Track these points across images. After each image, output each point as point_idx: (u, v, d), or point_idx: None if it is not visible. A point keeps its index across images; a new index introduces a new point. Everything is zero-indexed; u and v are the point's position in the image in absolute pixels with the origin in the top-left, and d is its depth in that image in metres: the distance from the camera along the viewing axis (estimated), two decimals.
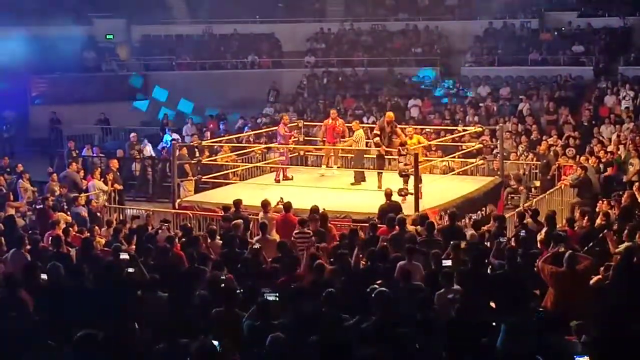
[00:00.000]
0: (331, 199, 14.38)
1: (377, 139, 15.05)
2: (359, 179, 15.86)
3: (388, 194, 13.06)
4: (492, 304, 8.34)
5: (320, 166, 17.33)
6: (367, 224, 11.96)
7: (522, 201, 16.31)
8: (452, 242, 10.13)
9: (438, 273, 9.03)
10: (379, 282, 8.52)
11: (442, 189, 15.15)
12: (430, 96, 25.77)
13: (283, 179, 16.46)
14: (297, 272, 9.39)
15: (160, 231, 11.86)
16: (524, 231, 10.86)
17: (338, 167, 17.02)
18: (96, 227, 12.62)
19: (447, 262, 9.28)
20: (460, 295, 7.96)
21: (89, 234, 11.96)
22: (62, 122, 25.10)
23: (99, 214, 14.94)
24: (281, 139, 16.77)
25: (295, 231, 11.55)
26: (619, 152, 17.60)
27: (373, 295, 7.41)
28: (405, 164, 14.23)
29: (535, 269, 9.07)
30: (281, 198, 13.05)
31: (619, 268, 8.96)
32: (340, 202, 14.32)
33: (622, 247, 10.11)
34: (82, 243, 11.04)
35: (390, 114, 15.56)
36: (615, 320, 7.30)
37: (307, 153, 18.68)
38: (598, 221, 11.76)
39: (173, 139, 20.61)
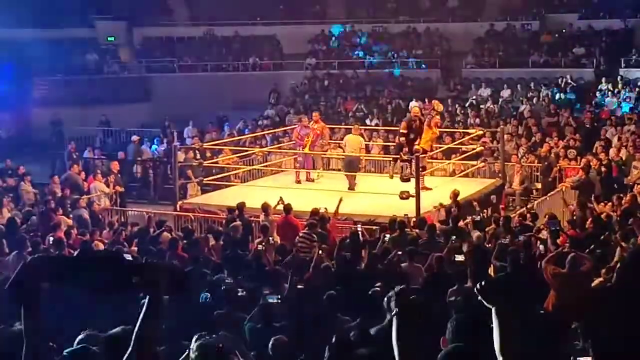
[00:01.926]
0: (333, 201, 14.37)
1: (403, 138, 14.89)
2: (352, 184, 15.75)
3: (456, 194, 13.14)
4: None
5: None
6: (368, 226, 11.99)
7: (518, 204, 16.38)
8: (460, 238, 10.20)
9: (439, 275, 9.05)
10: (379, 284, 8.52)
11: (443, 191, 15.13)
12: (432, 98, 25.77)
13: (306, 180, 16.48)
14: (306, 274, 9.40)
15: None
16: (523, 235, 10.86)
17: (322, 170, 17.07)
18: (97, 231, 12.63)
19: (460, 257, 9.24)
20: (463, 296, 7.96)
21: (89, 237, 11.99)
22: (64, 124, 25.11)
23: (101, 216, 14.91)
24: (299, 140, 16.65)
25: (301, 232, 11.57)
26: (620, 154, 17.59)
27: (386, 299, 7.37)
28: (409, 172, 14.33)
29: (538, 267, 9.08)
30: (280, 198, 13.06)
31: (625, 269, 8.95)
32: (341, 205, 14.30)
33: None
34: (80, 246, 11.06)
35: (415, 109, 15.44)
36: (620, 321, 7.30)
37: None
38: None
39: (161, 148, 20.73)
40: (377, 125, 22.10)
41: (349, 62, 28.70)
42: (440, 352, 5.14)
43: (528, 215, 12.68)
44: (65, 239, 11.42)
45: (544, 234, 11.35)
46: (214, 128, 23.69)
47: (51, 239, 11.39)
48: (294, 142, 17.29)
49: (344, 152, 16.29)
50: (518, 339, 6.47)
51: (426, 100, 24.09)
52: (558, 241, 10.52)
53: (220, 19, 30.22)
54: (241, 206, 12.88)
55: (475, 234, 11.20)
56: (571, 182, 15.87)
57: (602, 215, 12.20)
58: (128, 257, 9.56)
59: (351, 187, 15.53)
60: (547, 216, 12.18)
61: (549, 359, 6.56)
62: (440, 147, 17.18)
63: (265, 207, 12.75)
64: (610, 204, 13.60)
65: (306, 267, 9.69)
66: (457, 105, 24.05)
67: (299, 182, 16.37)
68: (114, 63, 28.85)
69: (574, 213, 13.12)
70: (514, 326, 6.71)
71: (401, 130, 15.01)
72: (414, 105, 15.77)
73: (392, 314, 6.87)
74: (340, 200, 12.71)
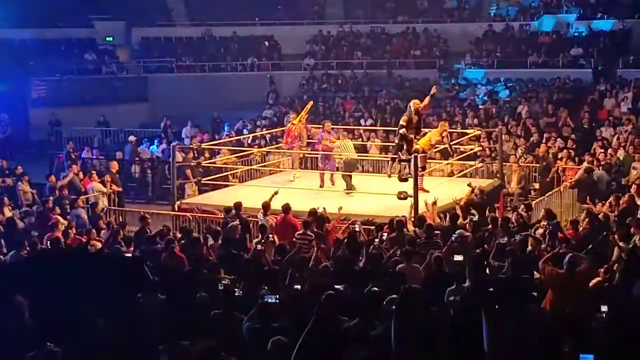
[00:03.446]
0: (331, 201, 14.38)
1: (403, 130, 14.63)
2: (350, 186, 15.57)
3: (482, 191, 13.33)
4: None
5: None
6: (365, 226, 11.99)
7: (515, 204, 16.38)
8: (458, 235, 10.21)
9: (438, 275, 9.04)
10: (376, 284, 8.52)
11: (441, 192, 15.13)
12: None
13: (332, 184, 16.05)
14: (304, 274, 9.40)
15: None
16: (521, 234, 10.85)
17: (299, 170, 16.98)
18: (93, 230, 12.64)
19: (459, 257, 9.21)
20: (460, 296, 7.96)
21: (86, 237, 11.99)
22: (62, 124, 25.11)
23: (103, 218, 14.83)
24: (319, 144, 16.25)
25: (298, 233, 11.57)
26: (617, 155, 17.58)
27: (385, 303, 7.37)
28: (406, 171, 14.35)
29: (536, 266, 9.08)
30: (275, 192, 13.10)
31: (624, 269, 9.00)
32: (339, 205, 14.30)
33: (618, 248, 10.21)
34: (77, 246, 11.08)
35: (416, 101, 15.03)
36: (623, 320, 7.32)
37: (306, 155, 18.63)
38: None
39: (161, 150, 20.70)
40: (372, 125, 22.10)
41: (347, 62, 28.71)
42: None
43: (522, 209, 12.66)
44: (63, 239, 11.43)
45: (540, 232, 11.35)
46: (205, 131, 23.47)
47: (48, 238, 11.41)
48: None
49: (340, 155, 16.01)
50: (511, 339, 6.50)
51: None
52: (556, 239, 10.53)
53: (218, 19, 30.24)
54: (238, 205, 12.88)
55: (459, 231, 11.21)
56: (572, 181, 15.90)
57: (600, 216, 12.19)
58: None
59: (350, 188, 15.47)
60: (543, 211, 12.20)
61: (548, 358, 6.57)
62: (438, 148, 17.16)
63: (265, 206, 12.76)
64: (608, 204, 13.59)
65: (305, 266, 9.69)
66: (455, 106, 24.09)
67: (322, 186, 15.90)
68: (112, 63, 28.86)
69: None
70: (509, 326, 6.74)
71: (401, 123, 14.87)
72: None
73: (392, 316, 6.89)
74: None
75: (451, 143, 17.92)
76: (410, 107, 14.89)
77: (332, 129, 16.48)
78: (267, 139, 20.97)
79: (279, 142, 19.97)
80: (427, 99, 15.17)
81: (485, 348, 6.61)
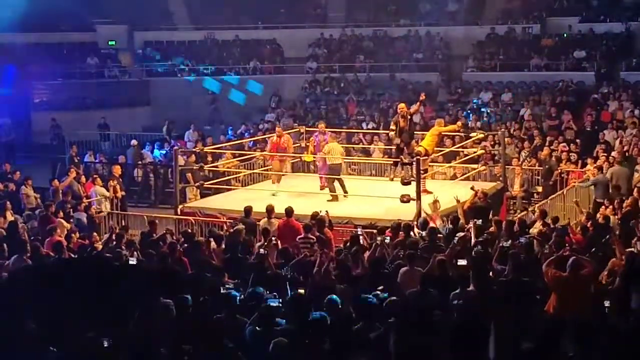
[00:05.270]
0: (333, 204, 14.38)
1: (392, 133, 14.97)
2: (333, 191, 15.30)
3: (485, 194, 13.43)
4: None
5: None
6: (368, 230, 11.99)
7: (518, 207, 16.38)
8: (461, 239, 10.20)
9: (441, 278, 9.03)
10: (380, 287, 8.51)
11: (444, 195, 15.10)
12: (433, 101, 25.77)
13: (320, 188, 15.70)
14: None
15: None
16: (524, 237, 10.82)
17: (278, 185, 16.36)
18: (95, 234, 12.61)
19: (463, 262, 9.21)
20: (465, 299, 7.94)
21: (88, 241, 12.00)
22: (62, 128, 25.09)
23: (96, 220, 14.84)
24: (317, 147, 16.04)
25: (299, 237, 11.55)
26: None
27: (385, 304, 7.36)
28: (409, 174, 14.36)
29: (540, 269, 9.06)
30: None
31: (623, 274, 8.99)
32: (341, 208, 14.31)
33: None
34: (79, 250, 11.08)
35: (401, 105, 15.15)
36: (623, 324, 7.31)
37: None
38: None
39: (162, 155, 20.68)
40: (374, 128, 22.08)
41: (349, 65, 28.70)
42: None
43: (534, 216, 12.65)
44: (66, 243, 11.42)
45: (535, 232, 11.34)
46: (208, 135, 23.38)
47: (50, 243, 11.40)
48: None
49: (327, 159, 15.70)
50: (516, 346, 6.48)
51: (426, 103, 24.25)
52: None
53: (220, 22, 30.24)
54: (248, 210, 12.88)
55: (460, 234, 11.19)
56: (580, 182, 15.89)
57: (600, 219, 12.17)
58: (133, 261, 9.60)
59: (333, 194, 15.30)
60: (538, 212, 12.18)
61: None
62: (441, 151, 17.14)
63: (269, 210, 12.75)
64: (611, 207, 13.56)
65: (308, 270, 9.67)
66: (458, 109, 24.08)
67: (323, 187, 15.72)
68: (115, 67, 28.88)
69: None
70: (513, 333, 6.71)
71: (391, 127, 15.04)
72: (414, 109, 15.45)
73: (390, 321, 6.88)
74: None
75: (454, 147, 17.97)
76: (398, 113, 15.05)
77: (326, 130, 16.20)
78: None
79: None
80: (416, 105, 15.24)
81: (491, 356, 6.60)
